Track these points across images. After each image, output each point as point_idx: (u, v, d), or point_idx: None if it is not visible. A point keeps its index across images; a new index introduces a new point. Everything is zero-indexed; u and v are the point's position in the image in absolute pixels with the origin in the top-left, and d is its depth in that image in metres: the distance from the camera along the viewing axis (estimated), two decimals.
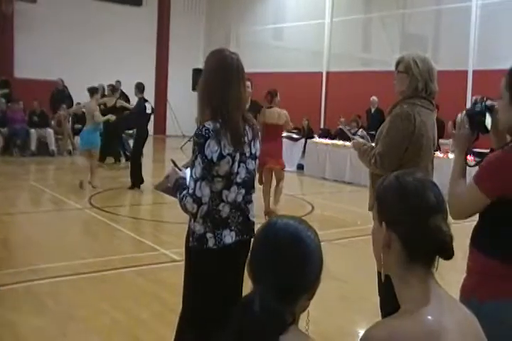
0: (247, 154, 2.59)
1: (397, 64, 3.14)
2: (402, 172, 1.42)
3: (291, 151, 12.48)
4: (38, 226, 7.04)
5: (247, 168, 2.58)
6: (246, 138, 2.57)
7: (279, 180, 7.47)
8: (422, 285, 1.33)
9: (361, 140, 3.28)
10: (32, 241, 6.10)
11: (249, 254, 1.30)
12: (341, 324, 3.95)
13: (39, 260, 5.26)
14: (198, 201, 2.43)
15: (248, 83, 7.39)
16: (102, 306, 4.22)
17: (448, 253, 1.34)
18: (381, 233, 1.37)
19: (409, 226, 1.33)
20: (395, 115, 3.01)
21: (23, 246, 5.68)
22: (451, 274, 5.82)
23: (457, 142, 2.20)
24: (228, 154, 2.47)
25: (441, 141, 10.16)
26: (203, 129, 2.45)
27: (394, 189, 1.37)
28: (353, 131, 12.21)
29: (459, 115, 2.20)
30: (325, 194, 8.43)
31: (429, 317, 1.26)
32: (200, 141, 2.44)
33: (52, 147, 13.25)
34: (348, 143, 11.49)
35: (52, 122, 13.86)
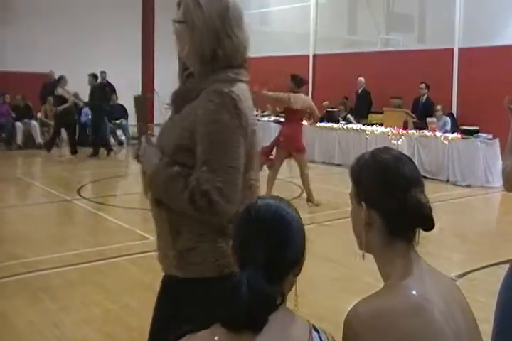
0: None
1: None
2: (376, 150, 1.42)
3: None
4: (28, 219, 7.00)
5: None
6: None
7: (301, 166, 7.49)
8: (404, 260, 1.34)
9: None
10: (22, 234, 6.06)
11: (233, 237, 1.30)
12: (334, 305, 3.95)
13: (30, 253, 5.24)
14: None
15: None
16: (94, 296, 4.21)
17: (428, 225, 1.34)
18: (361, 213, 1.37)
19: (389, 202, 1.33)
20: (211, 103, 1.69)
21: (13, 240, 5.64)
22: (441, 251, 5.82)
23: None
24: None
25: (428, 119, 10.19)
26: None
27: (370, 167, 1.37)
28: (342, 115, 12.25)
29: None
30: (314, 176, 8.40)
31: (414, 292, 1.26)
32: None
33: (39, 139, 13.16)
34: (336, 125, 11.52)
35: (39, 114, 13.76)
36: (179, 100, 1.83)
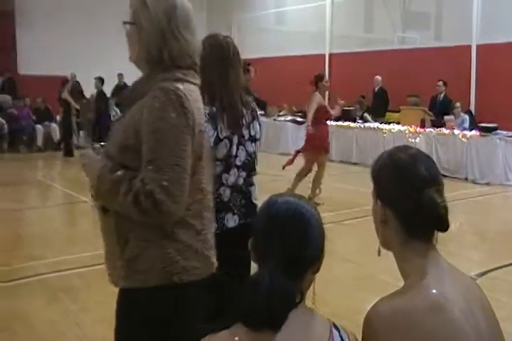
0: (246, 137, 2.57)
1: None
2: (395, 149, 1.43)
3: (296, 135, 12.45)
4: (48, 221, 7.07)
5: (246, 151, 2.57)
6: (244, 121, 2.56)
7: (322, 165, 7.53)
8: (423, 259, 1.34)
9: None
10: (43, 235, 6.13)
11: (252, 235, 1.30)
12: (353, 304, 3.94)
13: (50, 253, 5.30)
14: None
15: (252, 68, 7.43)
16: (112, 296, 4.22)
17: (443, 226, 1.33)
18: (377, 210, 1.39)
19: (403, 202, 1.33)
20: (156, 100, 1.64)
21: (33, 241, 5.71)
22: (461, 249, 5.76)
23: None
24: (225, 137, 2.47)
25: (446, 117, 10.10)
26: None
27: (387, 166, 1.39)
28: (359, 114, 12.20)
29: None
30: (332, 176, 8.39)
31: (434, 291, 1.26)
32: None
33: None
34: (353, 124, 11.48)
35: (58, 117, 13.91)
36: (127, 101, 1.80)
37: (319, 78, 7.57)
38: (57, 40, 16.12)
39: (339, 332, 1.24)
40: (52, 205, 7.88)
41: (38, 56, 15.65)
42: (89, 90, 14.40)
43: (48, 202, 8.24)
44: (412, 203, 1.32)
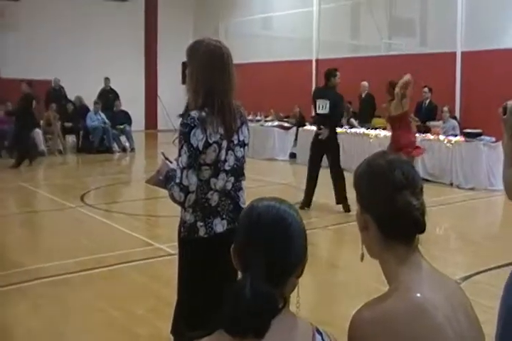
0: (235, 141, 2.56)
1: None
2: (374, 155, 1.45)
3: (283, 140, 12.47)
4: (30, 227, 7.00)
5: (235, 155, 2.56)
6: (234, 126, 2.55)
7: None
8: (405, 263, 1.34)
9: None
10: (24, 242, 6.05)
11: (234, 241, 1.29)
12: (340, 309, 3.93)
13: (32, 261, 5.21)
14: (184, 190, 2.41)
15: (337, 73, 7.49)
16: (97, 304, 4.18)
17: (419, 227, 1.34)
18: (359, 216, 1.41)
19: (379, 206, 1.35)
20: None
21: (15, 248, 5.63)
22: (445, 254, 5.79)
23: (506, 127, 2.08)
24: (214, 142, 2.46)
25: (432, 122, 10.16)
26: (188, 118, 2.45)
27: (365, 172, 1.41)
28: (345, 119, 12.22)
29: (510, 101, 2.08)
30: (318, 181, 8.37)
31: (418, 295, 1.27)
32: (185, 130, 2.43)
33: (42, 147, 13.11)
34: (339, 130, 11.47)
35: (41, 122, 13.75)
36: None
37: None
38: (41, 43, 16.01)
39: (321, 336, 1.24)
40: (36, 211, 7.78)
41: (20, 59, 15.52)
42: (73, 94, 14.31)
43: (32, 207, 8.13)
44: (387, 206, 1.33)
